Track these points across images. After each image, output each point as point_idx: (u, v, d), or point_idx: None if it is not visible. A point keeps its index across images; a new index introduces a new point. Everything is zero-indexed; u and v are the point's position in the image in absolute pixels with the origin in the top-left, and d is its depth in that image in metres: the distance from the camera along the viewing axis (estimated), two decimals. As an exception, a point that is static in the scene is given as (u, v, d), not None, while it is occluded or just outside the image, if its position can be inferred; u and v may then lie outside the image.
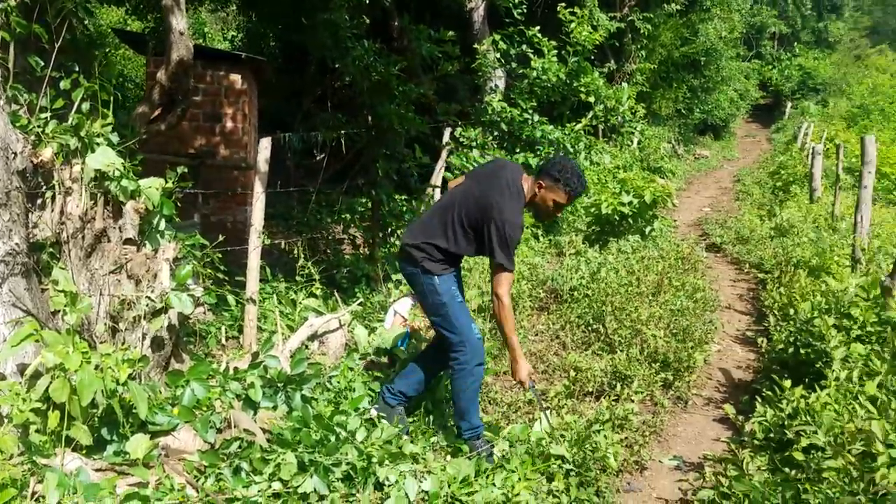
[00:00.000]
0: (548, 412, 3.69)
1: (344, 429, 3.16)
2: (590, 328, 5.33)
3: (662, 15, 17.58)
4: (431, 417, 3.77)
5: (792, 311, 5.08)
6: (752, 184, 15.62)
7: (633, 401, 4.20)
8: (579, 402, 4.21)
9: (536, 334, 5.51)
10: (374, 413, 3.56)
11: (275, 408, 3.37)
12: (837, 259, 6.21)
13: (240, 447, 2.90)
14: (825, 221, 8.89)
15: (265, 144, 4.27)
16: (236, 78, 6.60)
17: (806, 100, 33.87)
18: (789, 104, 33.99)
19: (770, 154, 21.79)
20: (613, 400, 4.21)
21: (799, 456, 3.02)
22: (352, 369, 4.15)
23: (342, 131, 6.53)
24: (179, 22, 3.99)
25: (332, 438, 3.04)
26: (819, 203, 10.70)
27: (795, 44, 39.12)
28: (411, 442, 3.40)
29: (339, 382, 3.93)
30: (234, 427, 3.02)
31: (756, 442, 3.54)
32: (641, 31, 16.45)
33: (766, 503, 2.87)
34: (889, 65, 36.68)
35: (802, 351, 4.38)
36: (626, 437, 3.73)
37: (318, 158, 9.18)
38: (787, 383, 3.61)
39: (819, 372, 3.95)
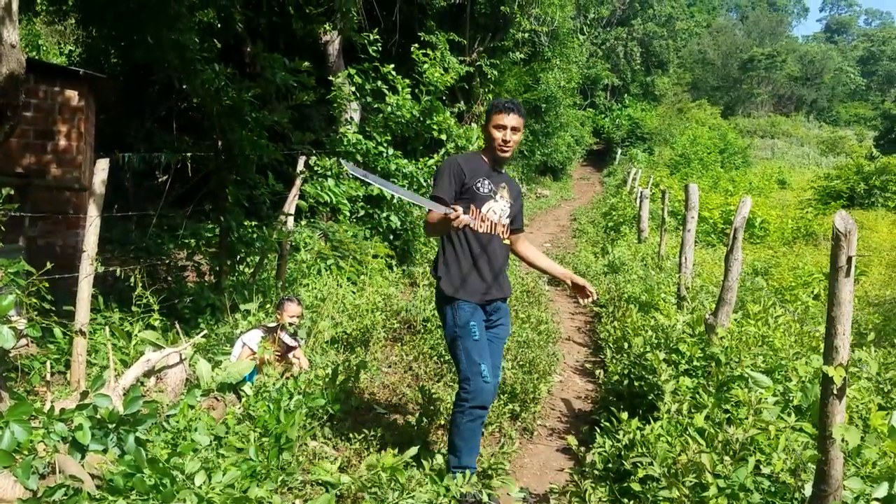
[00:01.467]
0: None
1: (181, 472, 2.95)
2: (442, 359, 5.38)
3: (508, 62, 18.51)
4: (282, 456, 3.61)
5: (626, 345, 5.38)
6: (587, 223, 16.66)
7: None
8: (433, 436, 4.22)
9: (389, 366, 5.49)
10: None
11: (105, 451, 3.08)
12: (664, 296, 6.69)
13: (65, 495, 2.62)
14: (652, 260, 9.61)
15: (102, 165, 3.98)
16: (72, 94, 6.16)
17: (634, 147, 36.80)
18: (619, 151, 36.82)
19: (602, 196, 23.41)
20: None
21: (636, 487, 3.12)
22: (192, 407, 3.90)
23: (188, 153, 6.22)
24: (11, 34, 3.64)
25: (169, 483, 2.82)
26: (646, 243, 11.57)
27: (625, 95, 42.60)
28: (257, 485, 3.23)
29: (177, 422, 3.67)
30: (60, 473, 2.72)
31: (596, 472, 3.66)
32: (489, 76, 17.21)
33: (607, 534, 2.99)
34: (707, 118, 40.68)
35: (636, 383, 4.66)
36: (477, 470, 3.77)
37: (160, 180, 8.69)
38: (624, 415, 3.74)
39: (652, 404, 4.20)
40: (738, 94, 59.67)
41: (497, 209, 3.55)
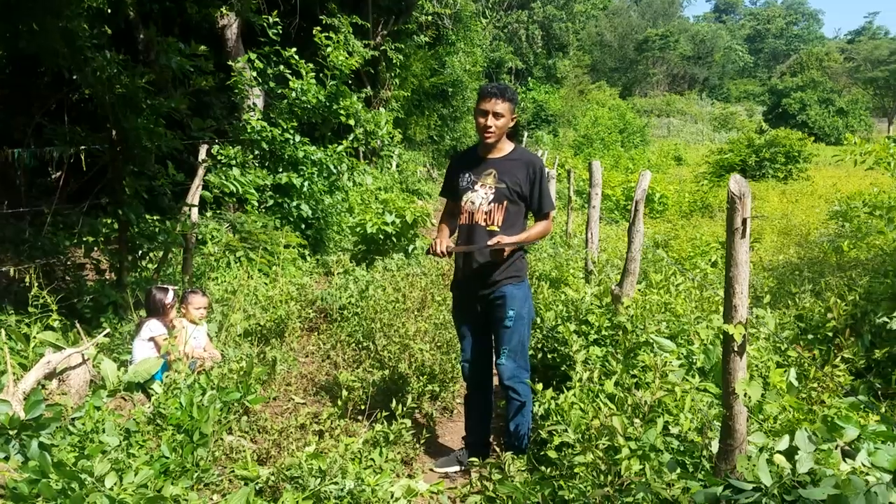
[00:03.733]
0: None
1: (90, 475, 2.83)
2: (360, 346, 5.36)
3: (412, 46, 18.47)
4: (197, 452, 3.51)
5: (539, 320, 5.52)
6: (498, 205, 16.88)
7: (404, 415, 4.28)
8: (352, 422, 4.20)
9: (307, 355, 5.42)
10: None
11: (7, 458, 2.92)
12: (573, 271, 6.87)
13: (-37, 509, 2.47)
14: (560, 238, 9.86)
15: (-13, 158, 3.73)
16: (-48, 88, 5.71)
17: (539, 130, 37.58)
18: (525, 133, 37.51)
19: (512, 178, 23.72)
20: (386, 417, 4.26)
21: (553, 454, 3.23)
22: (99, 408, 3.74)
23: (82, 146, 5.89)
24: None
25: (77, 487, 2.70)
26: (554, 221, 11.85)
27: (529, 78, 43.35)
28: (172, 483, 3.13)
29: (84, 424, 3.51)
30: (-45, 486, 2.56)
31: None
32: (394, 61, 17.12)
33: (527, 503, 3.07)
34: (607, 99, 42.02)
35: (550, 356, 4.79)
36: (400, 452, 3.80)
37: (54, 176, 8.21)
38: (539, 386, 3.86)
39: (565, 374, 4.34)
40: (635, 75, 61.88)
41: (475, 198, 3.60)
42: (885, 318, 4.50)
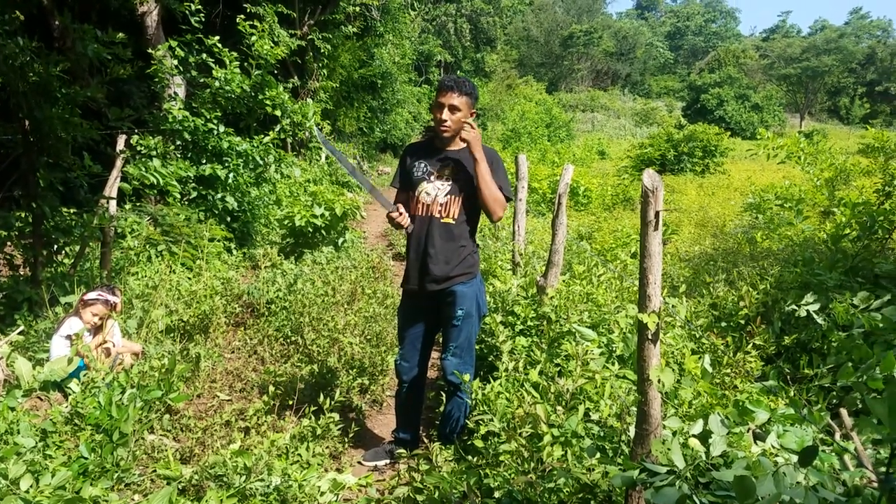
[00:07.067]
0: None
1: (5, 478, 2.73)
2: (288, 340, 5.31)
3: (340, 36, 18.28)
4: (117, 452, 3.42)
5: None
6: (428, 198, 16.94)
7: (332, 409, 4.27)
8: (280, 418, 4.17)
9: (233, 351, 5.32)
10: None
11: (-88, 465, 2.78)
12: (501, 264, 6.99)
13: None
14: (489, 231, 9.99)
15: None
16: None
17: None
18: (455, 126, 37.64)
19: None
20: (314, 411, 4.25)
21: (479, 443, 3.29)
22: (13, 409, 3.59)
23: (-9, 137, 5.63)
24: None
25: (-9, 491, 2.61)
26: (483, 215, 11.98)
27: (458, 72, 43.58)
28: (91, 484, 3.04)
29: (-3, 426, 3.37)
30: None
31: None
32: (322, 51, 16.90)
33: (453, 492, 3.12)
34: (534, 94, 42.66)
35: (477, 347, 4.87)
36: (328, 446, 3.80)
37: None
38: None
39: (492, 364, 4.42)
40: (561, 70, 62.97)
41: (431, 189, 3.54)
42: (794, 306, 4.74)
